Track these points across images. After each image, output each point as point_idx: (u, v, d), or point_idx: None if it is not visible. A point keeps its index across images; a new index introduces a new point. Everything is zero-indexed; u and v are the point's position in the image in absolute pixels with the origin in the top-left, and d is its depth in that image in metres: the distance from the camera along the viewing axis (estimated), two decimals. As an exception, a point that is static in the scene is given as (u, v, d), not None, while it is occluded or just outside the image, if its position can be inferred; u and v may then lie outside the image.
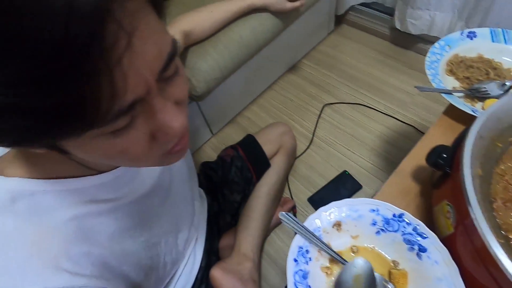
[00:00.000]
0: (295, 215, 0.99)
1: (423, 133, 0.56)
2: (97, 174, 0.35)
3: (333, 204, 0.40)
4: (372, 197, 0.42)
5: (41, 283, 0.27)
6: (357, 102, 1.22)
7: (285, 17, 0.99)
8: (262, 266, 0.92)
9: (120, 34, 0.18)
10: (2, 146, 0.22)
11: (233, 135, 1.24)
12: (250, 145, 0.87)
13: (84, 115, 0.19)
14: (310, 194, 1.03)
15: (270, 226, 0.92)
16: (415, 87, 0.54)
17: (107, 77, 0.19)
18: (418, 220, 0.37)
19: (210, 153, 1.21)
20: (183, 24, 0.75)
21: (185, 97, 0.27)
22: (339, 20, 1.51)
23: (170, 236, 0.50)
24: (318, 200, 1.00)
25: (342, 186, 1.01)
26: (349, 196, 0.99)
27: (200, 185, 0.81)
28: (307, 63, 1.41)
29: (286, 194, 1.04)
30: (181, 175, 0.55)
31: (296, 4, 0.90)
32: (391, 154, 1.07)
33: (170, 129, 0.25)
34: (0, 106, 0.17)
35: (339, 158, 1.09)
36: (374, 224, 0.39)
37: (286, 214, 0.38)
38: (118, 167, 0.37)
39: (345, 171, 1.04)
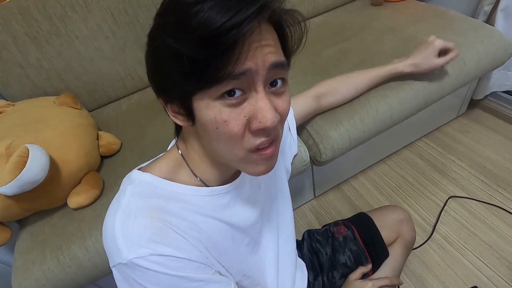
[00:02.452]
0: (404, 324, 0.83)
1: None
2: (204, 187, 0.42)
3: None
4: None
5: (149, 249, 0.34)
6: (494, 204, 1.03)
7: (428, 96, 0.94)
8: None
9: (254, 30, 0.29)
10: (163, 88, 0.35)
11: (334, 202, 1.17)
12: (366, 226, 0.79)
13: (218, 68, 0.29)
14: (424, 301, 0.86)
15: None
16: None
17: (239, 48, 0.29)
18: None
19: (308, 215, 1.16)
20: (317, 88, 0.77)
21: (285, 114, 0.36)
22: (473, 103, 1.37)
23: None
24: (437, 315, 0.82)
25: (471, 307, 0.82)
26: (480, 323, 0.79)
27: (302, 256, 0.75)
28: (429, 144, 1.29)
29: (393, 291, 0.89)
30: (271, 227, 0.55)
31: (448, 57, 0.77)
32: (544, 284, 0.84)
33: (263, 118, 0.32)
34: (186, 55, 0.29)
35: (467, 267, 0.90)
36: None
37: None
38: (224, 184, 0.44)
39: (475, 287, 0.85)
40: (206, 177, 0.42)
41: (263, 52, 0.31)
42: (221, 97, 0.31)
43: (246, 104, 0.32)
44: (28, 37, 0.93)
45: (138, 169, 0.42)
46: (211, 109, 0.32)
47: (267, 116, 0.32)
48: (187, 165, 0.42)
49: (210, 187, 0.42)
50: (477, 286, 0.85)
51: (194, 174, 0.42)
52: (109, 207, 0.39)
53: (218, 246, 0.42)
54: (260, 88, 0.32)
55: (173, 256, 0.35)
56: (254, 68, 0.31)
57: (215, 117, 0.32)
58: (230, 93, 0.31)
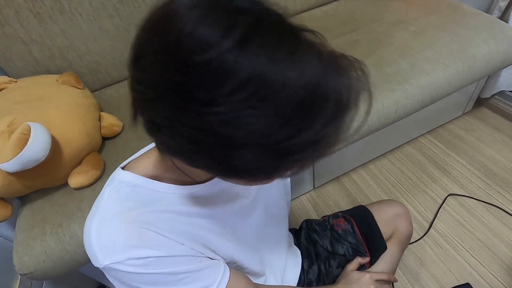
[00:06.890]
0: (395, 316, 0.85)
1: None
2: (192, 184, 0.40)
3: None
4: None
5: (125, 254, 0.33)
6: (493, 203, 1.03)
7: (435, 92, 0.93)
8: None
9: None
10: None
11: (333, 194, 1.18)
12: (365, 220, 0.79)
13: None
14: (416, 295, 0.88)
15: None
16: None
17: None
18: None
19: (306, 205, 1.16)
20: None
21: None
22: (479, 101, 1.35)
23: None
24: (428, 309, 0.84)
25: (462, 303, 0.83)
26: (469, 319, 0.81)
27: (298, 245, 0.76)
28: (432, 140, 1.28)
29: (386, 284, 0.91)
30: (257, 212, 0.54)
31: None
32: (536, 284, 0.85)
33: None
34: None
35: (461, 264, 0.91)
36: None
37: None
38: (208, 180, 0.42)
39: (468, 284, 0.86)
40: (195, 174, 0.40)
41: None
42: None
43: None
44: (31, 13, 0.91)
45: (122, 167, 0.41)
46: None
47: None
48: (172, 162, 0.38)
49: (192, 185, 0.41)
50: (470, 283, 0.86)
51: (182, 171, 0.39)
52: (91, 209, 0.38)
53: (202, 236, 0.42)
54: None
55: (152, 257, 0.35)
56: None
57: None
58: None
